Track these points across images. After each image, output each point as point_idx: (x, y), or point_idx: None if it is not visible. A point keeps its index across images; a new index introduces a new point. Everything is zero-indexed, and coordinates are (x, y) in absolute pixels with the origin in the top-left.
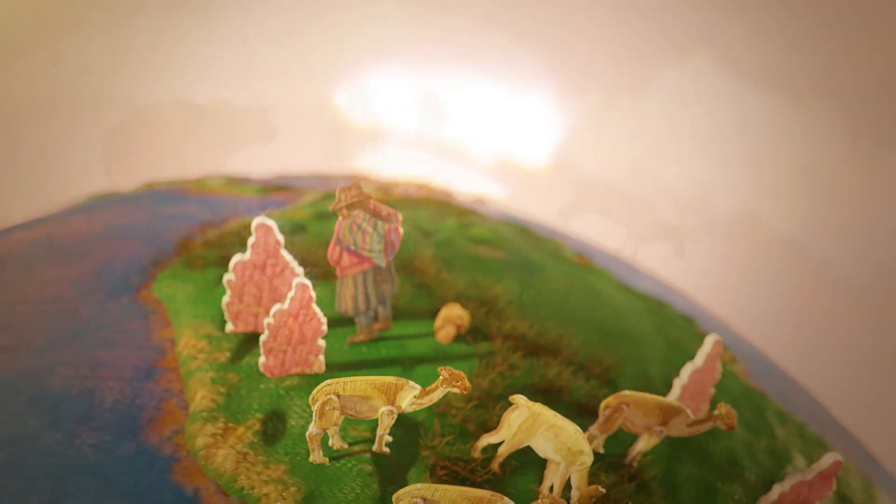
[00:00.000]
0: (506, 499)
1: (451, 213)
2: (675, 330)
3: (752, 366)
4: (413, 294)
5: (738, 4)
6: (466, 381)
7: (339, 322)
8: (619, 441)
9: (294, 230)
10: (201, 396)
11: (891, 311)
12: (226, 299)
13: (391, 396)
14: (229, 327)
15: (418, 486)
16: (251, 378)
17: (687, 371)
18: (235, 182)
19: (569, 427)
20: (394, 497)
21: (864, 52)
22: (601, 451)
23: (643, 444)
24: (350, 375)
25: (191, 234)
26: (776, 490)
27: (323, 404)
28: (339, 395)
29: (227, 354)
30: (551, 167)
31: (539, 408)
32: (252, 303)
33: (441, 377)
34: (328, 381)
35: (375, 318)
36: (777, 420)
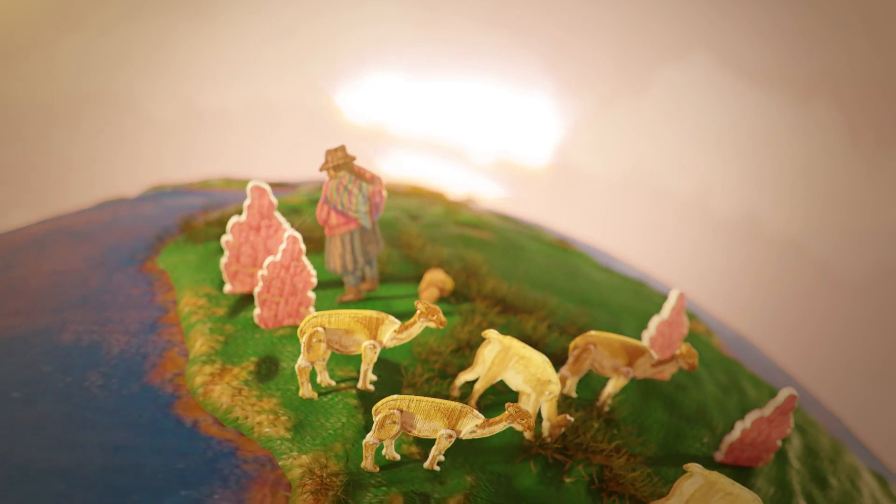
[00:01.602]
0: (475, 410)
1: (440, 203)
2: (652, 305)
3: (742, 353)
4: (400, 263)
5: (739, 4)
6: (441, 315)
7: (328, 284)
8: (592, 389)
9: (289, 212)
10: (200, 344)
11: (889, 311)
12: (224, 260)
13: (373, 330)
14: (227, 287)
15: (394, 397)
16: (247, 329)
17: (654, 323)
18: (236, 181)
19: (537, 357)
20: (373, 409)
21: (864, 52)
22: (574, 394)
23: (612, 387)
24: None
25: (193, 217)
26: (738, 427)
27: (310, 336)
28: (325, 328)
29: (225, 310)
30: (551, 167)
31: (509, 340)
32: (248, 263)
33: (418, 311)
34: (315, 314)
35: (363, 279)
36: (750, 383)
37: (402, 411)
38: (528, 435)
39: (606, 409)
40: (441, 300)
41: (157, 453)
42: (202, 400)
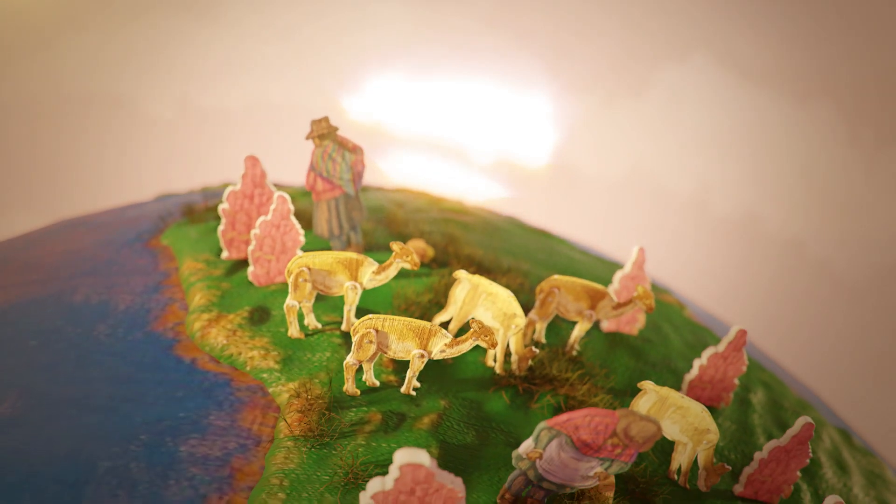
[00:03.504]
0: (443, 330)
1: (425, 197)
2: None
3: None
4: (384, 236)
5: (739, 5)
6: (415, 256)
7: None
8: (562, 338)
9: None
10: (199, 298)
11: (889, 311)
12: (221, 227)
13: (353, 272)
14: (224, 254)
15: (370, 316)
16: (241, 286)
17: (617, 277)
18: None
19: (502, 293)
20: (351, 330)
21: (864, 52)
22: (543, 340)
23: (578, 330)
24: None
25: (194, 204)
26: (696, 365)
27: (297, 276)
28: (310, 269)
29: (222, 271)
30: (551, 167)
31: (477, 279)
32: (243, 230)
33: (393, 252)
34: (300, 255)
35: (349, 244)
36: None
37: (377, 331)
38: (498, 367)
39: (574, 352)
40: (422, 266)
41: (158, 384)
42: (200, 342)
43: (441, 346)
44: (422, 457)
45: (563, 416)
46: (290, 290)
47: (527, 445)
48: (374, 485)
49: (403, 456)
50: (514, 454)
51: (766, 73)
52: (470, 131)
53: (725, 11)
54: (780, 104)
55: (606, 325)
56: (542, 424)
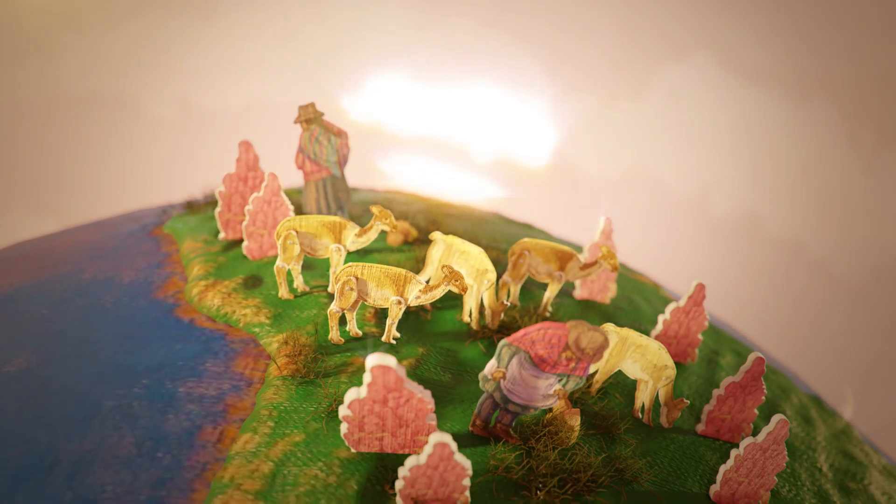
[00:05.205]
0: (417, 276)
1: (415, 196)
2: None
3: None
4: (370, 219)
5: (738, 5)
6: (394, 218)
7: None
8: (536, 303)
9: None
10: (197, 269)
11: (889, 311)
12: (218, 209)
13: (337, 235)
14: (221, 235)
15: (350, 264)
16: (236, 259)
17: (586, 247)
18: None
19: (474, 250)
20: (335, 277)
21: (864, 52)
22: (517, 303)
23: (549, 291)
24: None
25: (195, 198)
26: (660, 320)
27: (285, 238)
28: (297, 232)
29: (219, 248)
30: (551, 167)
31: (451, 238)
32: (238, 211)
33: (374, 216)
34: (288, 219)
35: None
36: None
37: (357, 278)
38: (473, 322)
39: (547, 313)
40: (405, 244)
41: (158, 340)
42: (197, 304)
43: (416, 293)
44: (390, 360)
45: (521, 332)
46: (279, 252)
47: (491, 365)
48: (351, 394)
49: (374, 359)
50: (480, 376)
51: (766, 73)
52: (470, 131)
53: (725, 11)
54: (780, 104)
55: (579, 293)
56: (502, 342)
